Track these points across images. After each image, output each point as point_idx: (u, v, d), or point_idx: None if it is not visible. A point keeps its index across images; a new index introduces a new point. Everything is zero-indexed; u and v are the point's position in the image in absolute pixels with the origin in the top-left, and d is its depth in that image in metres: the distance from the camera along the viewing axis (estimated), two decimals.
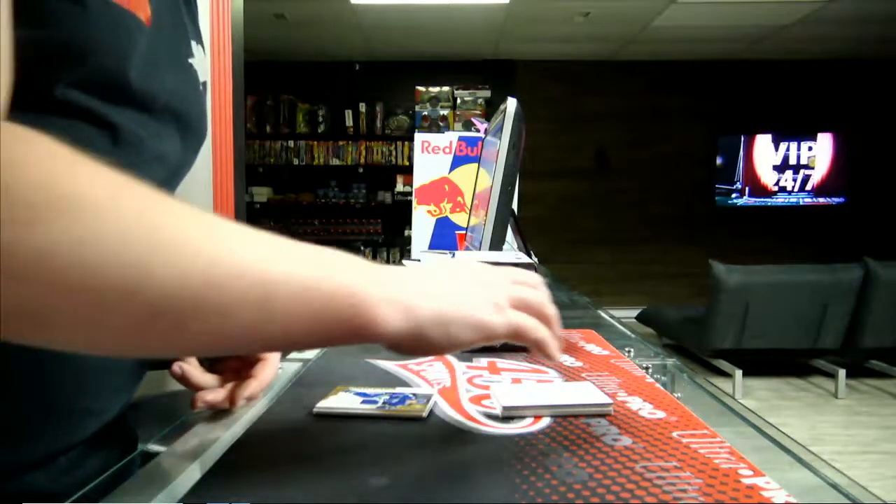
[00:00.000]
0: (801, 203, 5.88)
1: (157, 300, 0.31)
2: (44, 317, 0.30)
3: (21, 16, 0.38)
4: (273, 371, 0.59)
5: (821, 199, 5.87)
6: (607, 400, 0.49)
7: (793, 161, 5.84)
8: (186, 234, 0.33)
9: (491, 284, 0.44)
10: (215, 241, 0.34)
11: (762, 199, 5.89)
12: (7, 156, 0.28)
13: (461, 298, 0.42)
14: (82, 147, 0.36)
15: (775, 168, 5.86)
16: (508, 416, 0.48)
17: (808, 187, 5.86)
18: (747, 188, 5.88)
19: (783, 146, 5.83)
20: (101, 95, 0.47)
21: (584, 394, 0.51)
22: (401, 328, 0.39)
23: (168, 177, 0.60)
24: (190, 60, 0.59)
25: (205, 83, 0.66)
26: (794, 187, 5.87)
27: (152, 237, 0.31)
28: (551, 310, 0.45)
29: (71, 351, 0.33)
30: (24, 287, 0.28)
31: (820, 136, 5.80)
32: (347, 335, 0.38)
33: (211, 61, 2.03)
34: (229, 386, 0.56)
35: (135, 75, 0.48)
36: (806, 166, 5.85)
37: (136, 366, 0.59)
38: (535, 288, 0.46)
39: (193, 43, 0.61)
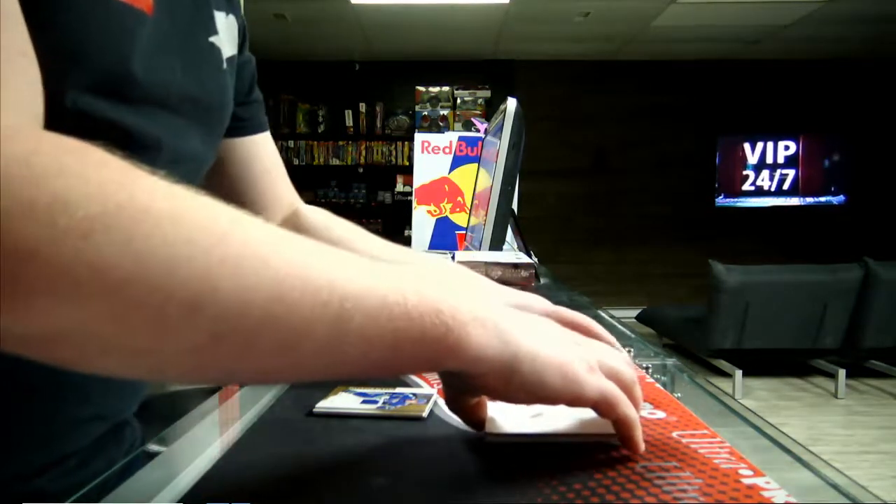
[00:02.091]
0: (800, 203, 5.88)
1: (222, 317, 0.28)
2: (101, 340, 0.27)
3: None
4: None
5: (821, 199, 5.87)
6: (610, 430, 0.40)
7: (794, 160, 5.85)
8: (252, 247, 0.30)
9: (582, 344, 0.40)
10: (283, 254, 0.31)
11: (763, 200, 5.89)
12: (57, 165, 0.26)
13: (556, 344, 0.37)
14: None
15: (776, 167, 5.86)
16: (493, 441, 0.42)
17: (808, 187, 5.87)
18: (745, 188, 5.89)
19: (787, 146, 5.83)
20: (110, 97, 0.45)
21: (586, 421, 0.43)
22: (495, 355, 0.35)
23: (193, 175, 0.56)
24: (211, 39, 0.55)
25: (232, 57, 0.61)
26: (793, 187, 5.87)
27: (216, 250, 0.28)
28: (640, 392, 0.40)
29: (134, 378, 0.31)
30: (82, 305, 0.26)
31: (819, 136, 5.80)
32: (434, 357, 0.34)
33: None
34: None
35: (139, 70, 0.45)
36: (806, 166, 5.85)
37: None
38: (627, 364, 0.40)
39: (218, 14, 0.57)
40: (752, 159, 5.88)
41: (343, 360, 0.32)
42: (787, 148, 5.83)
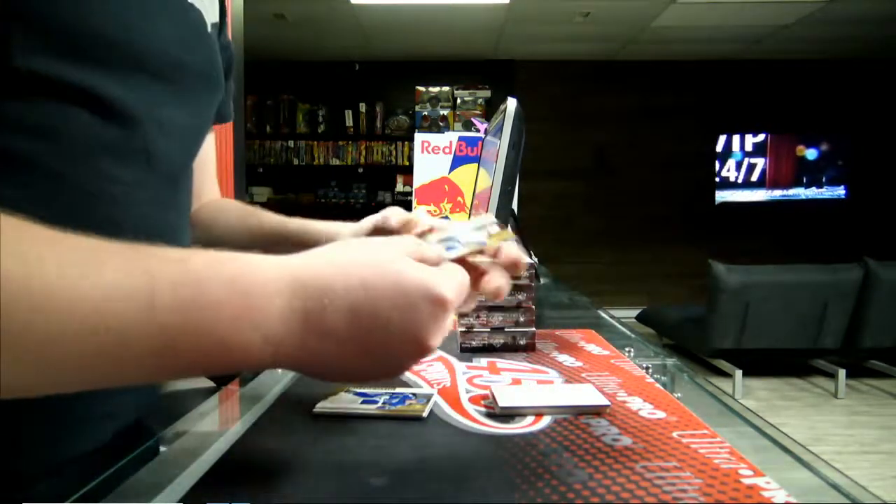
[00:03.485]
0: (799, 198, 5.88)
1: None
2: None
3: None
4: None
5: (821, 194, 5.86)
6: (604, 401, 0.49)
7: (792, 160, 5.85)
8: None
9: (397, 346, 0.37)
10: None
11: (760, 196, 5.89)
12: None
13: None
14: (65, 132, 0.36)
15: (773, 164, 5.87)
16: (505, 415, 0.48)
17: (806, 186, 5.87)
18: (745, 184, 5.89)
19: (783, 145, 5.83)
20: (71, 56, 0.41)
21: (582, 395, 0.51)
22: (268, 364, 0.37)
23: (182, 151, 0.53)
24: (189, 0, 0.53)
25: (215, 24, 0.58)
26: (791, 185, 5.88)
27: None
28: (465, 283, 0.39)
29: None
30: None
31: (818, 136, 5.80)
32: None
33: None
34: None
35: (110, 28, 0.42)
36: (805, 165, 5.85)
37: None
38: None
39: None
40: (750, 158, 5.87)
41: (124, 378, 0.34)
42: (775, 144, 5.83)
